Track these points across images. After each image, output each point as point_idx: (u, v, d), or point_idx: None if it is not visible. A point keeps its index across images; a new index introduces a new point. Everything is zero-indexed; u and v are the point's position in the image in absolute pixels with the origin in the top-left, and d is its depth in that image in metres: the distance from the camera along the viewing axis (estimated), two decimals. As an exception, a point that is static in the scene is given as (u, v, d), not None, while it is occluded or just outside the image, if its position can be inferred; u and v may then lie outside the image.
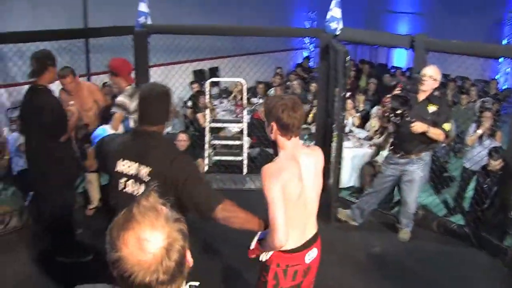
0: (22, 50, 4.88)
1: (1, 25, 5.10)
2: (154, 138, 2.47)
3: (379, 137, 6.66)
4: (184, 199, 2.34)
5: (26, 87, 4.03)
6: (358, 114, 7.42)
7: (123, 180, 2.46)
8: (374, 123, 7.10)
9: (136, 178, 2.42)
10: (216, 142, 6.40)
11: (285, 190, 2.32)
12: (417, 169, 4.52)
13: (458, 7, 10.92)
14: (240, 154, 6.33)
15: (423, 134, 4.29)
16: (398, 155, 4.58)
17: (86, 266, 4.23)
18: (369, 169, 6.08)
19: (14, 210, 5.05)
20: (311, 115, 7.78)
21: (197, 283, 1.53)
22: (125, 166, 2.45)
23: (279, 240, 2.30)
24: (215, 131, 7.04)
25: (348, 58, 4.47)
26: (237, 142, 6.47)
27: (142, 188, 2.40)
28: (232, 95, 8.75)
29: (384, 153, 6.12)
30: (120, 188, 2.47)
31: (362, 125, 7.36)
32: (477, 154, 5.34)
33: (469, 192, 5.47)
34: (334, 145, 5.73)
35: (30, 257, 4.39)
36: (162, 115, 2.50)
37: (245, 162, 6.28)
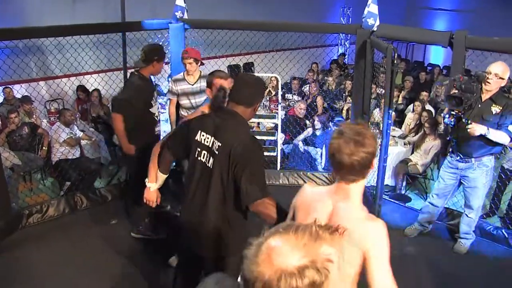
0: (62, 44, 4.97)
1: (42, 19, 5.20)
2: (234, 118, 2.65)
3: (414, 135, 6.57)
4: (236, 181, 2.55)
5: (65, 79, 4.12)
6: (393, 112, 7.32)
7: (199, 149, 2.71)
8: (409, 121, 7.00)
9: (210, 150, 2.66)
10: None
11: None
12: (479, 176, 4.23)
13: (503, 2, 10.57)
14: (274, 149, 6.30)
15: (483, 136, 4.00)
16: (457, 158, 4.31)
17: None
18: (403, 168, 6.00)
19: (51, 199, 5.19)
20: (344, 112, 7.77)
21: None
22: (204, 137, 2.69)
23: None
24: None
25: (396, 55, 4.26)
26: (271, 138, 6.44)
27: (212, 160, 2.65)
28: (267, 90, 8.75)
29: (419, 152, 6.03)
30: (195, 155, 2.73)
31: (397, 124, 7.27)
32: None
33: (508, 194, 5.31)
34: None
35: (64, 246, 4.50)
36: (248, 98, 2.65)
37: (279, 158, 6.25)
